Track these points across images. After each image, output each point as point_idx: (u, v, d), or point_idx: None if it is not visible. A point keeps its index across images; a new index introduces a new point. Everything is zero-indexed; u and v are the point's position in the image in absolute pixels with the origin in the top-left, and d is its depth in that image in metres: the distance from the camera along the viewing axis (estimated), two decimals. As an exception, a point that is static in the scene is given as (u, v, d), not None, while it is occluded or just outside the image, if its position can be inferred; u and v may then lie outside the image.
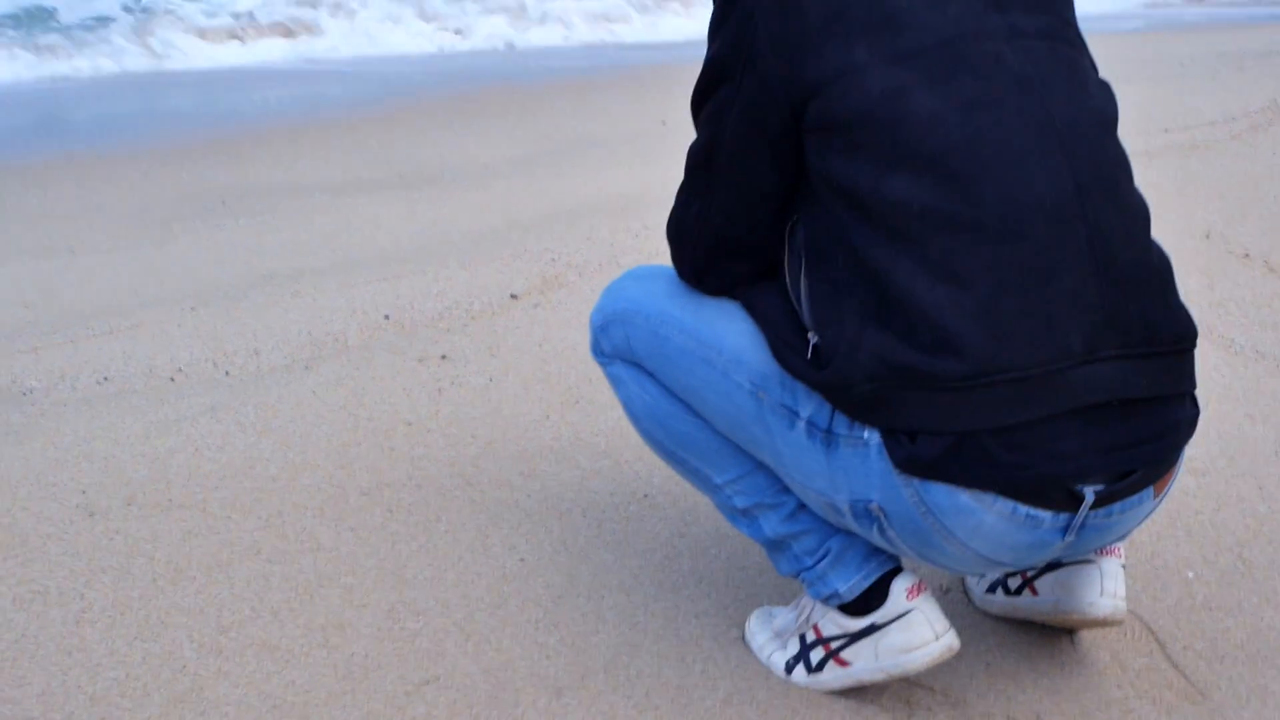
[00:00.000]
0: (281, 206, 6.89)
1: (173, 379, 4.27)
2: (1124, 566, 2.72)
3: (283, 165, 7.84)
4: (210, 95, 10.28)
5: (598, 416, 3.87)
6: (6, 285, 5.61)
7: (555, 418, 3.88)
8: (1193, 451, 3.56)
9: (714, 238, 2.50)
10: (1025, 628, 2.88)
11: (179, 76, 11.05)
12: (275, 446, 3.72)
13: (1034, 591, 2.81)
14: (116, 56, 11.41)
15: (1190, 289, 4.76)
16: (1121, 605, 2.69)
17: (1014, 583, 2.86)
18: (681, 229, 2.55)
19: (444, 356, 4.32)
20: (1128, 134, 6.99)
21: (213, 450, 3.70)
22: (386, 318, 4.69)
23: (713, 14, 2.40)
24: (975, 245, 2.17)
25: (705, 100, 2.42)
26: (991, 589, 2.92)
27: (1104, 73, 9.05)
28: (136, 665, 2.78)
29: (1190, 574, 3.06)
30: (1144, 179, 6.01)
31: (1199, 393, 3.91)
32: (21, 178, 7.74)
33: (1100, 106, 2.34)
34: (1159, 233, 5.22)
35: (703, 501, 3.37)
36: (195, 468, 3.60)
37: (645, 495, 3.42)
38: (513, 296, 4.85)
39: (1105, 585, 2.69)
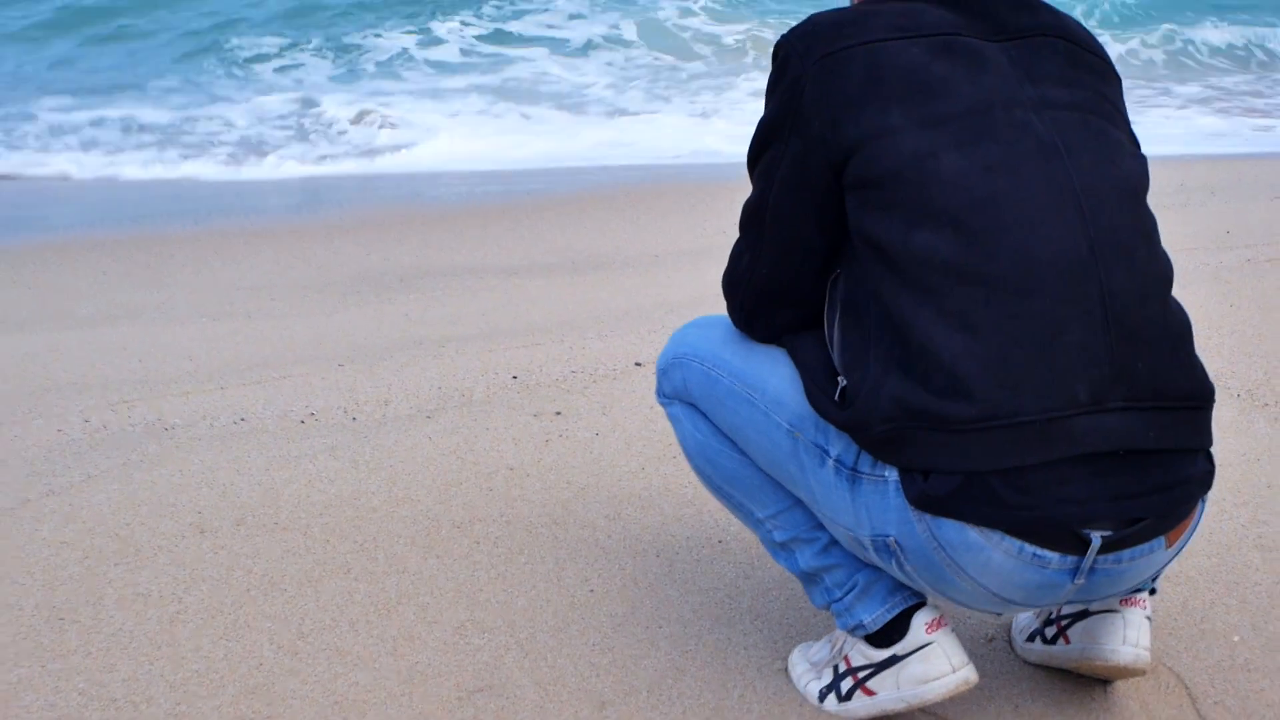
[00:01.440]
0: (453, 285, 7.20)
1: (303, 422, 4.54)
2: (1149, 619, 2.80)
3: (465, 249, 8.15)
4: (412, 188, 10.69)
5: (689, 472, 4.03)
6: (179, 341, 5.97)
7: (650, 469, 4.05)
8: (1261, 530, 3.62)
9: (762, 287, 2.69)
10: (1061, 676, 2.97)
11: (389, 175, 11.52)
12: (382, 482, 3.95)
13: (1067, 640, 2.90)
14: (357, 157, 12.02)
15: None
16: (1144, 655, 2.78)
17: (1050, 632, 2.96)
18: (733, 279, 2.74)
19: (558, 413, 4.53)
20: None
21: (324, 483, 3.95)
22: (514, 378, 4.92)
23: (769, 78, 2.60)
24: (990, 298, 2.33)
25: (758, 159, 2.62)
26: (1031, 638, 3.02)
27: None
28: (218, 661, 3.00)
29: (1236, 638, 3.12)
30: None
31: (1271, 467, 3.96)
32: (221, 251, 8.18)
33: (1126, 175, 2.48)
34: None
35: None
36: (305, 497, 3.84)
37: (720, 541, 3.58)
38: (637, 364, 5.05)
39: (1128, 634, 2.78)
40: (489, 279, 7.32)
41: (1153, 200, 8.49)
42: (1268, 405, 4.50)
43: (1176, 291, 5.81)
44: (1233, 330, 5.30)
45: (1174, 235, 7.36)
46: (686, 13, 17.92)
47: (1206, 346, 5.07)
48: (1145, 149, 2.71)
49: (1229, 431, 4.28)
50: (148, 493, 3.89)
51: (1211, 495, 3.81)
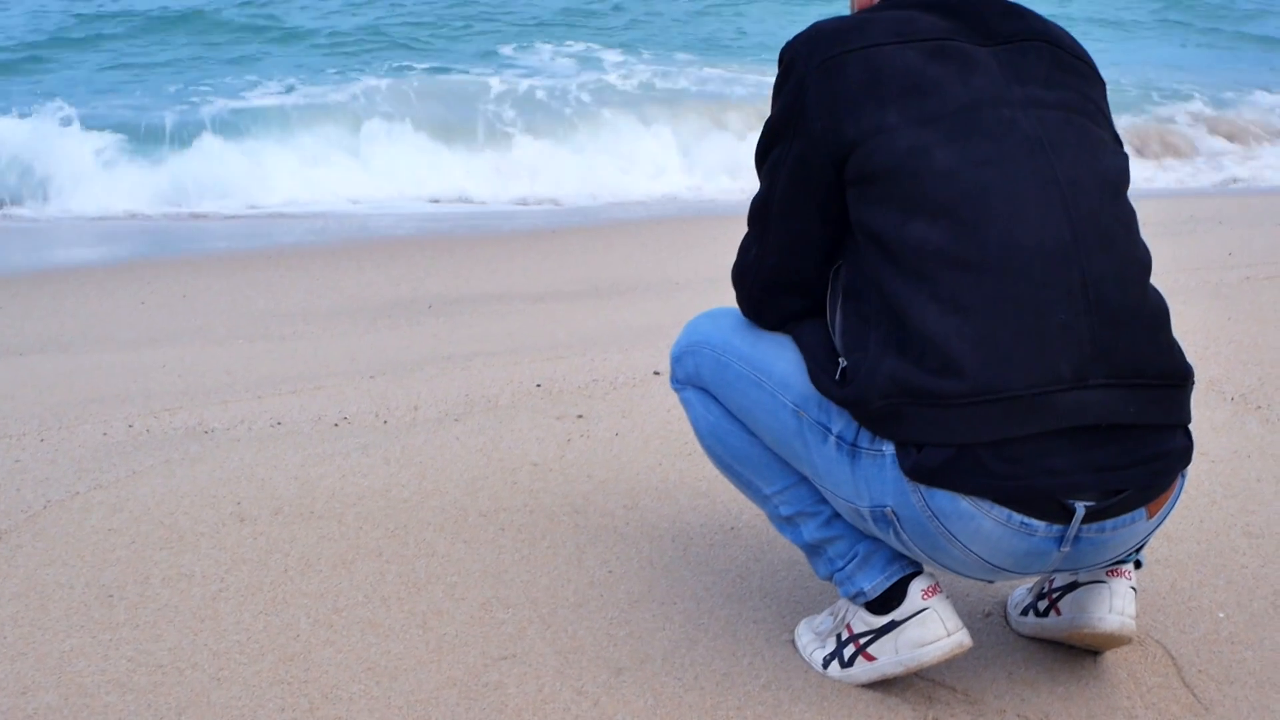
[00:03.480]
0: (481, 310, 7.41)
1: (336, 424, 4.74)
2: (1134, 589, 2.97)
3: (495, 278, 8.37)
4: (452, 224, 10.91)
5: (705, 466, 4.22)
6: (216, 360, 6.19)
7: (666, 465, 4.24)
8: (1249, 519, 3.78)
9: (768, 278, 2.88)
10: (1054, 648, 3.14)
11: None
12: (412, 476, 4.15)
13: (1058, 612, 3.08)
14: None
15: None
16: (1130, 623, 2.95)
17: (1042, 605, 3.13)
18: (742, 270, 2.94)
19: (580, 416, 4.72)
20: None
21: (357, 477, 4.15)
22: (538, 386, 5.12)
23: (775, 81, 2.80)
24: (979, 282, 2.52)
25: (765, 157, 2.82)
26: (1024, 612, 3.20)
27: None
28: (258, 633, 3.20)
29: (1221, 614, 3.28)
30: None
31: (1239, 458, 4.12)
32: (254, 282, 8.42)
33: (1107, 169, 2.67)
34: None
35: (781, 539, 3.68)
36: (339, 489, 4.04)
37: (732, 528, 3.76)
38: (655, 373, 5.24)
39: (1114, 603, 2.96)
40: (515, 304, 7.53)
41: (1164, 229, 8.69)
42: (1260, 408, 4.67)
43: (1180, 306, 6.00)
44: (1230, 340, 5.49)
45: (1180, 257, 7.55)
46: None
47: (1204, 355, 5.25)
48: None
49: (1222, 431, 4.46)
50: (190, 486, 4.09)
51: (1203, 488, 3.98)
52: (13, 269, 9.07)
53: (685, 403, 3.13)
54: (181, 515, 3.86)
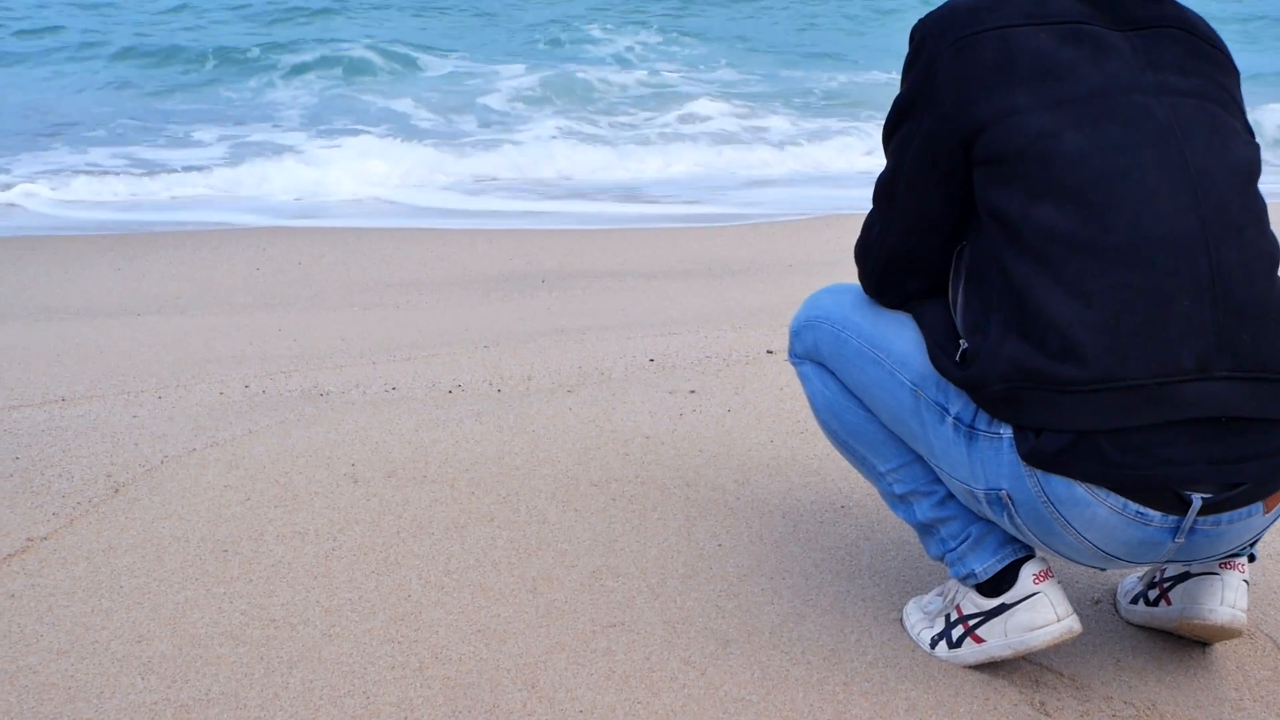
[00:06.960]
0: (594, 285, 7.44)
1: (450, 392, 4.78)
2: (1247, 582, 2.93)
3: (607, 256, 8.39)
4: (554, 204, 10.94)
5: (817, 444, 4.21)
6: (331, 325, 6.25)
7: (778, 442, 4.24)
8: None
9: (891, 256, 2.87)
10: (1162, 637, 3.11)
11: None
12: (525, 444, 4.17)
13: (1168, 602, 3.05)
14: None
15: None
16: (1240, 615, 2.91)
17: (1153, 595, 3.11)
18: (865, 248, 2.93)
19: (693, 391, 4.73)
20: None
21: (470, 443, 4.17)
22: (651, 360, 5.13)
23: (905, 59, 2.79)
24: (1104, 268, 2.49)
25: (893, 134, 2.81)
26: (1134, 600, 3.17)
27: None
28: (369, 591, 3.22)
29: (1337, 610, 3.25)
30: None
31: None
32: (372, 253, 8.48)
33: (1239, 160, 2.63)
34: None
35: (892, 517, 3.68)
36: (452, 454, 4.07)
37: (842, 506, 3.75)
38: (769, 351, 5.24)
39: (1225, 595, 2.93)
40: (628, 280, 7.55)
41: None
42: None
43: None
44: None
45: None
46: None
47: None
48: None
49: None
50: (304, 446, 4.13)
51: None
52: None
53: (803, 377, 3.12)
54: (296, 474, 3.90)
